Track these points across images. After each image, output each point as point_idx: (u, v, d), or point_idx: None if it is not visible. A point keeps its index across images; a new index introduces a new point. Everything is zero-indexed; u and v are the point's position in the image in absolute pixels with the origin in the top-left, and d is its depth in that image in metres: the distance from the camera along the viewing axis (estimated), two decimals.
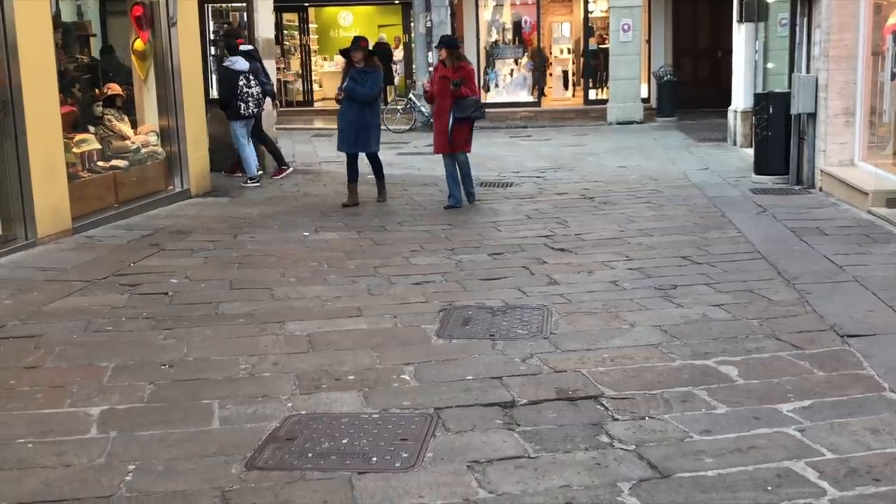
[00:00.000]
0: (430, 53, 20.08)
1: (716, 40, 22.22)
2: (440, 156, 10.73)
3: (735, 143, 15.39)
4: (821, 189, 10.79)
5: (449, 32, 20.63)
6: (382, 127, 19.43)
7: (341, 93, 10.66)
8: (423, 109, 19.38)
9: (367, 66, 10.69)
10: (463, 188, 10.60)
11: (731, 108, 15.83)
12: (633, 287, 6.89)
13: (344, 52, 10.99)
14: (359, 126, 10.68)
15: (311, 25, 26.55)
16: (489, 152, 15.60)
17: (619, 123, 20.13)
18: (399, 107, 20.49)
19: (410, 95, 20.88)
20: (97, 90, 10.63)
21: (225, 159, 12.91)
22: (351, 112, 10.65)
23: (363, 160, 11.02)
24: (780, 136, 11.50)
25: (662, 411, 4.52)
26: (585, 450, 4.11)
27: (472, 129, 10.73)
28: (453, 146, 10.40)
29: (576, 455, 4.06)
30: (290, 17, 26.04)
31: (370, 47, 11.19)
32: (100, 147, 10.12)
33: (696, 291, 6.69)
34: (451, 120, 10.27)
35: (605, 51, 22.39)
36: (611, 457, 4.04)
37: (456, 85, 10.16)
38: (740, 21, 15.05)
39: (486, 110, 21.89)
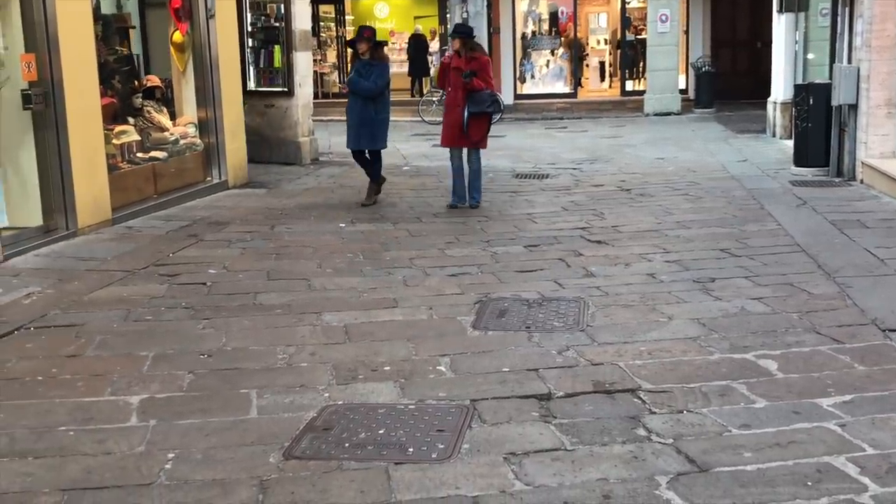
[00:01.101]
0: None
1: (755, 31, 22.06)
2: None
3: (774, 135, 15.23)
4: (862, 181, 10.64)
5: (485, 24, 20.57)
6: (417, 119, 19.21)
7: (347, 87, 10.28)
8: None
9: (373, 58, 10.04)
10: (468, 187, 9.99)
11: (770, 99, 15.65)
12: (670, 280, 6.85)
13: (350, 44, 10.52)
14: (362, 121, 10.01)
15: (347, 17, 26.62)
16: (525, 143, 15.56)
17: (656, 115, 19.96)
18: (434, 98, 20.45)
19: None
20: (136, 82, 10.73)
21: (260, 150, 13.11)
22: (356, 106, 10.01)
23: (387, 154, 10.52)
24: (821, 128, 11.36)
25: (700, 405, 4.49)
26: (623, 443, 4.09)
27: (490, 124, 10.19)
28: (470, 142, 9.87)
29: (613, 448, 4.04)
30: (327, 9, 26.15)
31: (378, 38, 10.41)
32: (139, 138, 10.22)
33: (734, 284, 6.63)
34: (465, 114, 9.69)
35: (643, 41, 22.27)
36: (648, 450, 4.01)
37: (467, 76, 9.51)
38: (780, 11, 14.90)
39: (522, 101, 21.42)
